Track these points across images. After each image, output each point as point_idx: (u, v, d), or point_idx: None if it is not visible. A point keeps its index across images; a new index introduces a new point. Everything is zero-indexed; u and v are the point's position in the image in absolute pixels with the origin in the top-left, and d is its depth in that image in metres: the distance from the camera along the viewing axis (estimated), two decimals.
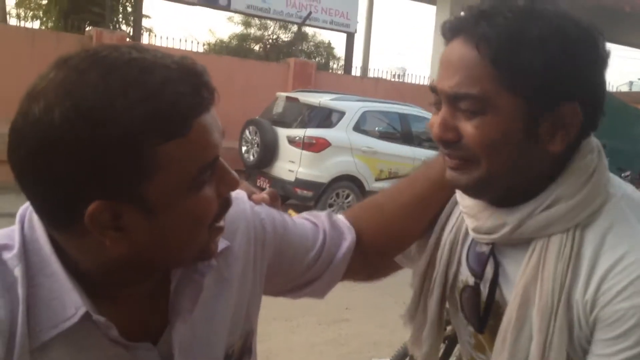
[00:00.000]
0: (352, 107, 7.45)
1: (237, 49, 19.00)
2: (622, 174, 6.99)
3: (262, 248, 0.88)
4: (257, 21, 19.04)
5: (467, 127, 0.81)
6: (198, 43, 13.12)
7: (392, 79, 13.82)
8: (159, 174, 0.61)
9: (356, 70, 13.21)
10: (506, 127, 0.80)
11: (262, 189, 0.97)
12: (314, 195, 7.10)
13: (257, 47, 20.23)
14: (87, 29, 10.60)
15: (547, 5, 0.80)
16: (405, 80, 13.88)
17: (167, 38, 11.09)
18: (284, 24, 18.44)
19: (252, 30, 20.07)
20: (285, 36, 20.10)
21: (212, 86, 0.66)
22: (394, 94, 11.07)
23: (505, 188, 0.86)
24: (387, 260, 1.11)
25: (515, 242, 0.88)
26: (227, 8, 11.69)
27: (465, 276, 0.97)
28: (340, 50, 19.22)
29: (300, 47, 18.84)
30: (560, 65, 0.77)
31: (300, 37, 19.11)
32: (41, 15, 13.03)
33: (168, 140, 0.61)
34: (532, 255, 0.85)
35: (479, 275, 0.93)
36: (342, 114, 7.33)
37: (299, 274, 0.95)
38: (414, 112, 8.09)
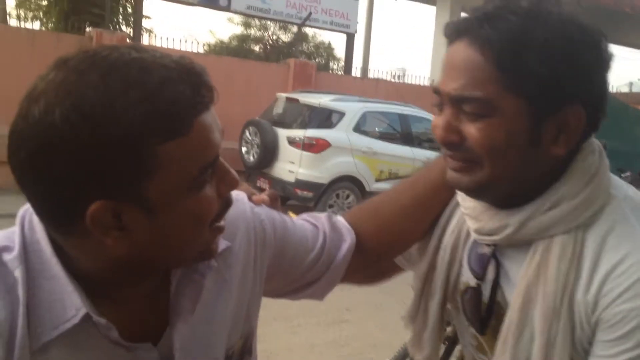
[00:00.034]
0: (352, 108, 7.44)
1: (237, 49, 19.01)
2: (622, 175, 6.98)
3: (262, 249, 0.88)
4: (257, 22, 19.04)
5: (471, 130, 0.81)
6: (198, 44, 13.17)
7: (392, 80, 13.79)
8: (159, 173, 0.61)
9: (356, 71, 13.19)
10: (510, 130, 0.79)
11: (262, 190, 0.97)
12: (314, 196, 7.09)
13: (257, 48, 20.25)
14: (87, 29, 10.59)
15: (550, 7, 0.80)
16: (406, 81, 13.89)
17: (167, 39, 11.07)
18: (284, 25, 18.47)
19: (252, 31, 20.11)
20: (285, 37, 20.14)
21: (211, 85, 0.66)
22: (394, 94, 11.06)
23: (507, 190, 0.86)
24: (387, 262, 1.11)
25: (517, 243, 0.88)
26: (227, 9, 11.67)
27: (467, 278, 0.97)
28: (340, 51, 19.29)
29: (300, 48, 18.87)
30: (564, 68, 0.77)
31: (301, 37, 19.13)
32: (41, 16, 13.01)
33: (168, 140, 0.61)
34: (534, 256, 0.85)
35: (480, 276, 0.93)
36: (342, 114, 7.32)
37: (298, 275, 0.95)
38: (414, 113, 8.07)
